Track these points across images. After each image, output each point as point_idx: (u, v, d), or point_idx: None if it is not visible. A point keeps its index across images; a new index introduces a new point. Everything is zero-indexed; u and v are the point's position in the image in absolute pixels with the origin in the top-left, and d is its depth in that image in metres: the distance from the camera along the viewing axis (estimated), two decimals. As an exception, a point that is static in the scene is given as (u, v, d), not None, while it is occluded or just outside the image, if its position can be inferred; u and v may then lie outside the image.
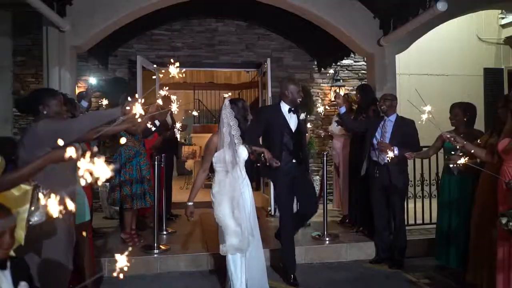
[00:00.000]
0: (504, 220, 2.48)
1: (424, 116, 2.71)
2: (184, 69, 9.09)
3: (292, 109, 3.80)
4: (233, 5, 6.24)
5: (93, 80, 6.10)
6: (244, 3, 5.44)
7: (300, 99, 3.81)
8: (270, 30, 7.04)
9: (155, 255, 4.19)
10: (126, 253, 1.28)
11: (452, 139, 2.91)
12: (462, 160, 2.59)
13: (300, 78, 7.02)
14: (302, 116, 3.94)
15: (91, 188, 3.71)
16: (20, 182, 2.05)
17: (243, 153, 3.18)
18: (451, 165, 3.21)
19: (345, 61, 7.04)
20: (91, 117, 2.51)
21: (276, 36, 7.08)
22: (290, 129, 3.78)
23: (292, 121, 3.80)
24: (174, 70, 2.39)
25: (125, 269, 1.42)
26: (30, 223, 1.84)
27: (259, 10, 5.86)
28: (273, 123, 3.77)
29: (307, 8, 5.13)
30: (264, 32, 7.06)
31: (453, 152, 3.41)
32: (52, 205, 1.44)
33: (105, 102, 5.07)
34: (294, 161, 3.77)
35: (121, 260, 1.28)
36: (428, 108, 2.74)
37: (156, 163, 4.43)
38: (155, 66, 6.29)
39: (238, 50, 6.99)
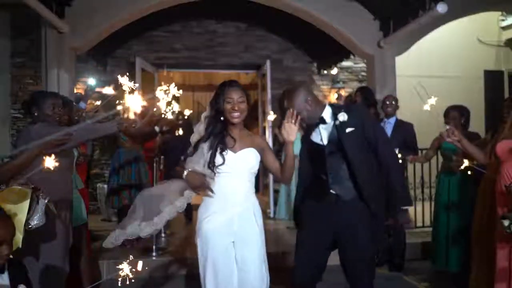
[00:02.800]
0: (506, 223, 2.45)
1: (431, 102, 2.61)
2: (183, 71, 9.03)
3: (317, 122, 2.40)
4: (232, 6, 6.23)
5: (92, 81, 6.08)
6: (243, 5, 5.43)
7: (305, 113, 2.32)
8: (269, 31, 7.03)
9: (153, 258, 4.16)
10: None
11: (451, 132, 2.84)
12: (466, 163, 2.52)
13: (300, 80, 7.01)
14: (342, 117, 2.34)
15: (87, 190, 3.69)
16: (18, 171, 2.11)
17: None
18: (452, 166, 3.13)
19: (345, 63, 7.02)
20: (86, 129, 2.51)
21: (276, 38, 7.07)
22: (317, 143, 2.40)
23: (322, 130, 2.40)
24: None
25: (125, 273, 1.40)
26: (29, 226, 1.82)
27: (259, 11, 5.85)
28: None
29: (307, 10, 5.12)
30: (264, 33, 7.05)
31: (454, 157, 3.40)
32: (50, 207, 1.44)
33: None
34: (332, 191, 2.33)
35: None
36: (432, 100, 2.68)
37: (154, 165, 4.41)
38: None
39: (237, 51, 6.98)
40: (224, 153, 2.12)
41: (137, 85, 1.78)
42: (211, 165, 2.10)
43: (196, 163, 2.12)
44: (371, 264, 2.40)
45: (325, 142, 2.37)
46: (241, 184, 2.16)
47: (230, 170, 2.13)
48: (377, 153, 2.36)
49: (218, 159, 2.11)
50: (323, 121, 2.39)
